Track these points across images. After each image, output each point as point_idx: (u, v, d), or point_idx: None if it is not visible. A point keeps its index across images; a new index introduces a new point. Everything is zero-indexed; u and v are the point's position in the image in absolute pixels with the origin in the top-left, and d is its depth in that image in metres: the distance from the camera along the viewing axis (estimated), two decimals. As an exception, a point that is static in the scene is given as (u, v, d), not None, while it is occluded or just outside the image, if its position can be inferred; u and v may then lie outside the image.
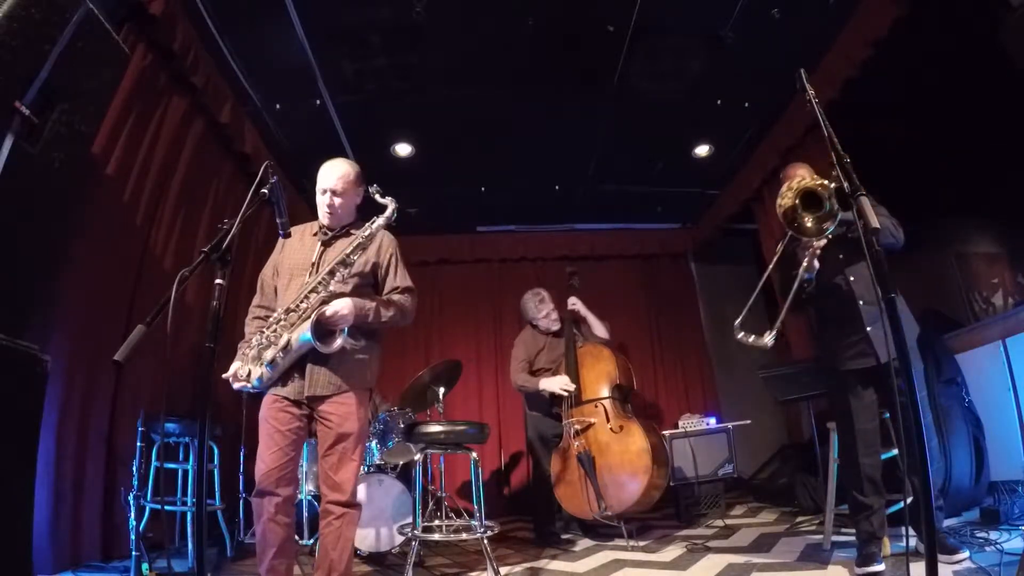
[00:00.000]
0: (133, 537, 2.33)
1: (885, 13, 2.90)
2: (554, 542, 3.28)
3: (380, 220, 2.04)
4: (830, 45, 3.31)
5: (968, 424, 2.92)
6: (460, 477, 4.75)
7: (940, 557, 1.96)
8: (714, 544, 2.91)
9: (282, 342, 1.88)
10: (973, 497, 2.87)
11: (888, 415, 2.31)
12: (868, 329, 2.19)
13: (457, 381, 3.73)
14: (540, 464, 3.52)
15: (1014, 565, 1.84)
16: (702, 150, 4.55)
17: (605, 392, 3.32)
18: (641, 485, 3.01)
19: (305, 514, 3.13)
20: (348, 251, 1.97)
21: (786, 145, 4.09)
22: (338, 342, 1.90)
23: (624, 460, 3.08)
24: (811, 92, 1.54)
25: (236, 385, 1.94)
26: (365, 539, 2.92)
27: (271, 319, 1.95)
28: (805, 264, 2.15)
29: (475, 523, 2.71)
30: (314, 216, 2.22)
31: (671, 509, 3.94)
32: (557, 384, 3.39)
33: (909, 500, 2.20)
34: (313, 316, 1.86)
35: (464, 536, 2.95)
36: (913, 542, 1.99)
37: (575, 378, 3.40)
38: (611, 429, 3.18)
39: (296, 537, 2.21)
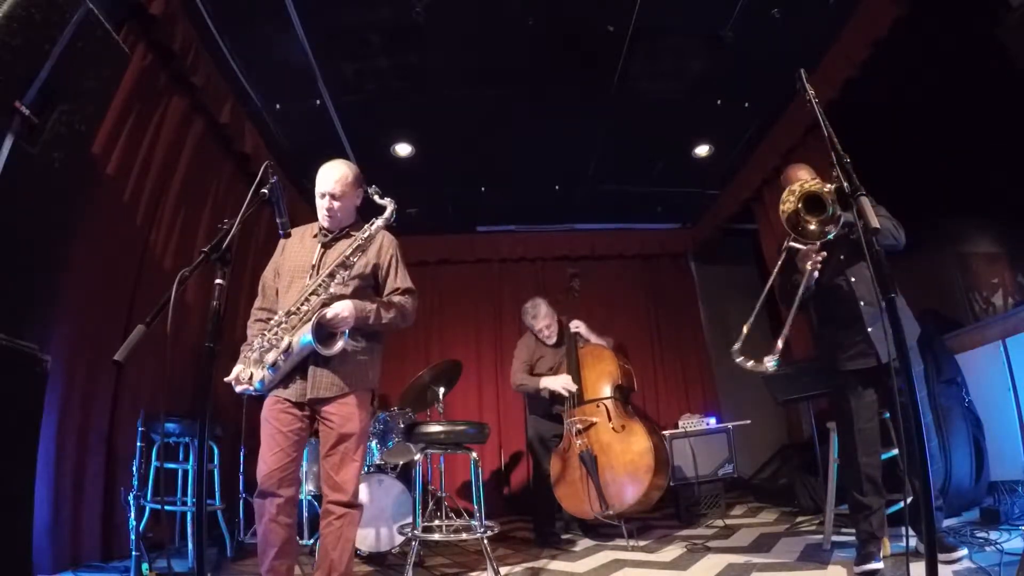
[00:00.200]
0: (133, 537, 2.34)
1: (885, 13, 2.90)
2: (554, 542, 3.28)
3: (379, 221, 2.04)
4: (830, 45, 3.32)
5: (968, 424, 2.92)
6: (460, 477, 4.75)
7: (939, 556, 1.97)
8: (714, 544, 2.91)
9: (283, 345, 1.88)
10: (973, 497, 2.87)
11: (888, 415, 2.31)
12: (869, 330, 2.19)
13: (457, 381, 3.73)
14: (540, 464, 3.52)
15: (1014, 565, 1.84)
16: (702, 150, 4.55)
17: (607, 392, 3.32)
18: (643, 485, 3.01)
19: (305, 514, 3.13)
20: (348, 253, 1.97)
21: (786, 145, 4.10)
22: (339, 344, 1.90)
23: (626, 460, 3.09)
24: (811, 92, 1.54)
25: (238, 388, 1.94)
26: (365, 539, 2.92)
27: (272, 322, 1.95)
28: (806, 278, 2.14)
29: (475, 523, 2.71)
30: (315, 216, 2.22)
31: (671, 509, 3.94)
32: (559, 383, 3.39)
33: (909, 500, 2.20)
34: (314, 319, 1.86)
35: (464, 536, 2.95)
36: (913, 542, 1.99)
37: (577, 378, 3.40)
38: (613, 429, 3.19)
39: (296, 537, 2.21)
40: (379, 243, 2.11)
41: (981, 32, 2.62)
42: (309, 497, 3.16)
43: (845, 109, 2.97)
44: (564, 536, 3.42)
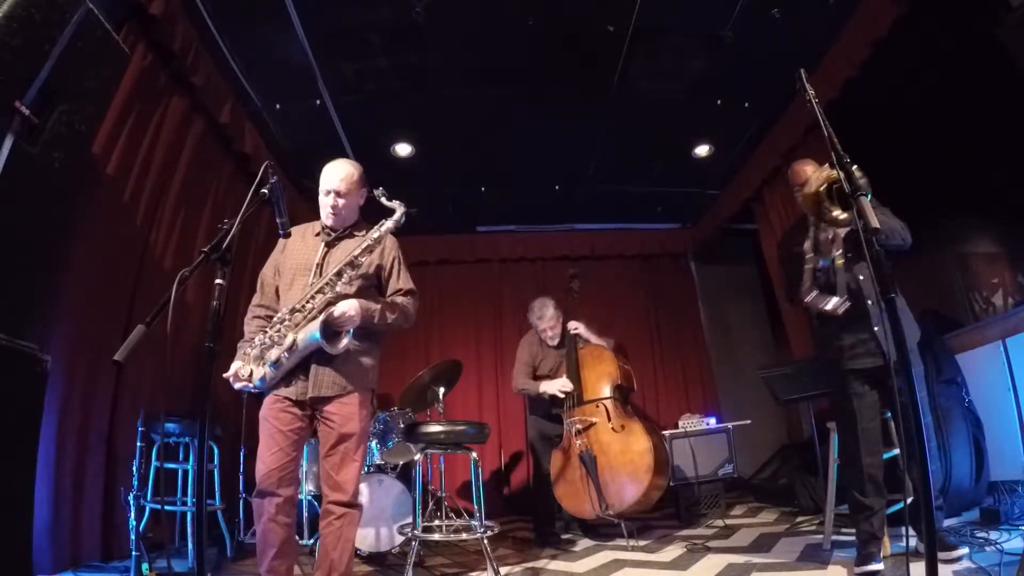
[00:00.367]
0: (133, 537, 2.34)
1: (885, 13, 2.90)
2: (554, 542, 3.28)
3: (389, 223, 2.05)
4: (830, 45, 3.32)
5: (968, 424, 2.92)
6: (460, 477, 4.75)
7: (940, 555, 1.97)
8: (714, 544, 2.91)
9: (287, 342, 1.88)
10: (973, 497, 2.87)
11: (889, 415, 2.30)
12: (876, 328, 2.18)
13: (457, 381, 3.74)
14: (540, 464, 3.52)
15: (1014, 565, 1.84)
16: (702, 150, 4.55)
17: (606, 392, 3.32)
18: (643, 485, 3.01)
19: (305, 514, 3.13)
20: (356, 253, 1.98)
21: (786, 145, 4.10)
22: (344, 342, 1.90)
23: (626, 460, 3.09)
24: (811, 92, 1.54)
25: (237, 385, 1.94)
26: (365, 539, 2.93)
27: (275, 319, 1.95)
28: (823, 250, 2.11)
29: (475, 523, 2.71)
30: (314, 216, 2.22)
31: (671, 509, 3.94)
32: (556, 387, 3.40)
33: (909, 500, 2.20)
34: (322, 316, 1.86)
35: (464, 536, 2.95)
36: (913, 542, 1.99)
37: (576, 378, 3.40)
38: (612, 428, 3.19)
39: (296, 537, 2.21)
40: (382, 244, 2.12)
41: (981, 32, 2.62)
42: (309, 497, 3.16)
43: (845, 109, 2.97)
44: (564, 536, 3.42)
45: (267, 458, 1.87)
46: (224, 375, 1.96)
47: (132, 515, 2.37)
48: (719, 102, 3.92)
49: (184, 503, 2.80)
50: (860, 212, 1.34)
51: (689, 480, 3.81)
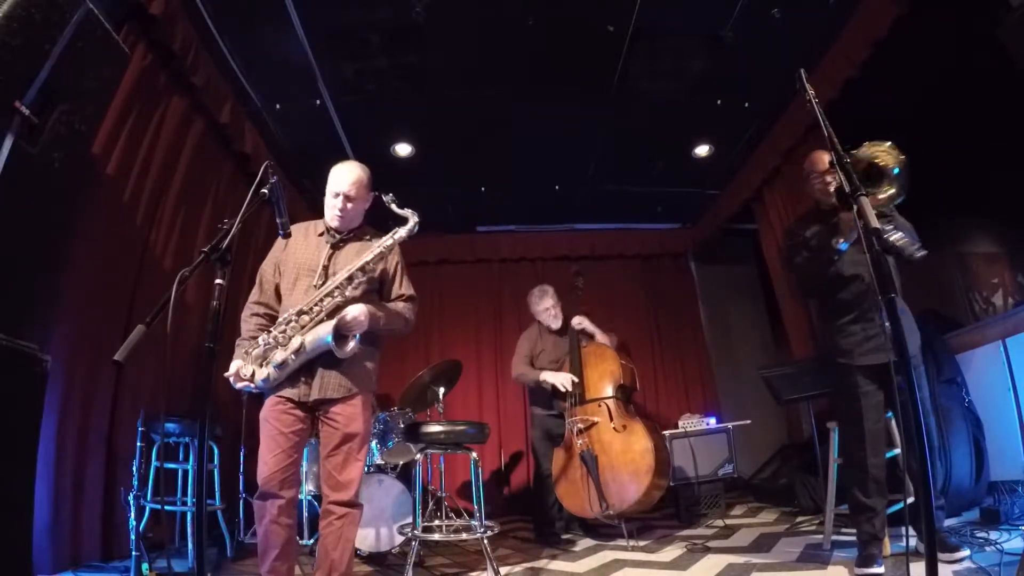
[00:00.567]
0: (133, 537, 2.33)
1: (885, 13, 2.90)
2: (554, 542, 3.28)
3: (402, 232, 2.05)
4: (830, 45, 3.32)
5: (968, 424, 2.92)
6: (460, 477, 4.75)
7: (941, 556, 1.97)
8: (714, 544, 2.91)
9: (294, 344, 1.88)
10: (973, 497, 2.87)
11: (890, 415, 2.29)
12: (887, 324, 2.17)
13: (457, 381, 3.73)
14: (541, 464, 3.52)
15: (1014, 565, 1.84)
16: (702, 150, 4.55)
17: (609, 392, 3.32)
18: (643, 485, 3.01)
19: (305, 514, 3.13)
20: (369, 259, 1.99)
21: (786, 145, 4.10)
22: (351, 346, 1.91)
23: (627, 460, 3.09)
24: (811, 92, 1.54)
25: (239, 385, 1.93)
26: (365, 539, 2.93)
27: (280, 320, 1.94)
28: (843, 230, 2.07)
29: (475, 523, 2.71)
30: (315, 216, 2.22)
31: (671, 509, 3.94)
32: (558, 379, 3.38)
33: (910, 500, 2.20)
34: (335, 320, 1.87)
35: (464, 536, 2.95)
36: (913, 542, 1.99)
37: (579, 377, 3.39)
38: (614, 428, 3.18)
39: (297, 538, 2.21)
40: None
41: (981, 32, 2.62)
42: (309, 497, 3.16)
43: (845, 109, 2.97)
44: (564, 536, 3.42)
45: (269, 460, 1.87)
46: (224, 375, 1.96)
47: (132, 515, 2.37)
48: (719, 102, 3.92)
49: (184, 503, 2.80)
50: (860, 212, 1.34)
51: (689, 480, 3.81)
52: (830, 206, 2.24)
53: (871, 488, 2.17)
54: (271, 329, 1.94)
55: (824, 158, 2.30)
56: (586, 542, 3.31)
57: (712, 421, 4.09)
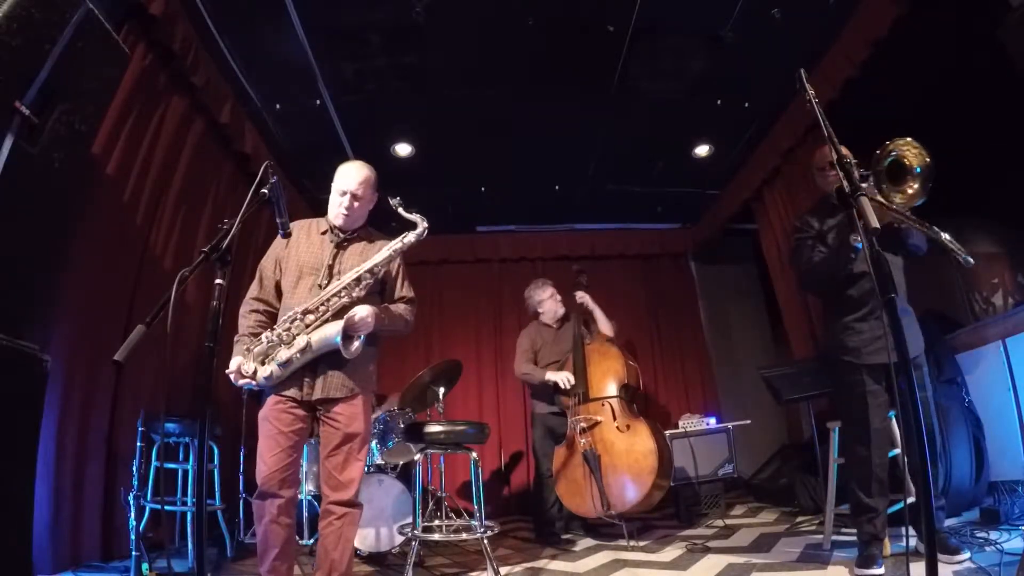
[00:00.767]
0: (133, 537, 2.33)
1: (885, 13, 2.90)
2: (554, 542, 3.28)
3: (411, 237, 2.06)
4: (830, 45, 3.32)
5: (968, 424, 2.92)
6: (460, 477, 4.75)
7: (942, 557, 1.96)
8: (714, 544, 2.91)
9: (299, 343, 1.88)
10: (973, 497, 2.87)
11: (892, 414, 2.29)
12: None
13: (457, 381, 3.73)
14: (542, 464, 3.52)
15: (1014, 565, 1.84)
16: (702, 150, 4.55)
17: (613, 391, 3.31)
18: (646, 486, 3.01)
19: (305, 514, 3.13)
20: (378, 262, 2.00)
21: (786, 145, 4.10)
22: (355, 346, 1.92)
23: (630, 460, 3.08)
24: (811, 92, 1.53)
25: (240, 382, 1.92)
26: (365, 539, 2.93)
27: (284, 318, 1.94)
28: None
29: (475, 523, 2.71)
30: (314, 215, 2.22)
31: (671, 509, 3.94)
32: (561, 377, 3.38)
33: (910, 500, 2.19)
34: (344, 320, 1.88)
35: (464, 536, 2.96)
36: (913, 542, 1.99)
37: (583, 376, 3.39)
38: (618, 428, 3.18)
39: (296, 537, 2.21)
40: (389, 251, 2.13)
41: (981, 32, 2.61)
42: (309, 497, 3.16)
43: (845, 109, 2.96)
44: (564, 536, 3.42)
45: (268, 459, 1.87)
46: (225, 371, 1.95)
47: (132, 515, 2.37)
48: (719, 102, 3.92)
49: (184, 503, 2.80)
50: (860, 212, 1.34)
51: (689, 480, 3.80)
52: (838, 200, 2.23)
53: (874, 488, 2.16)
54: (275, 327, 1.94)
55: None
56: (586, 542, 3.31)
57: (712, 421, 4.09)
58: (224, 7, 2.98)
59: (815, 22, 3.19)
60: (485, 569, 2.61)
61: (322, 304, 1.93)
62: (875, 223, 1.30)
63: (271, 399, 1.94)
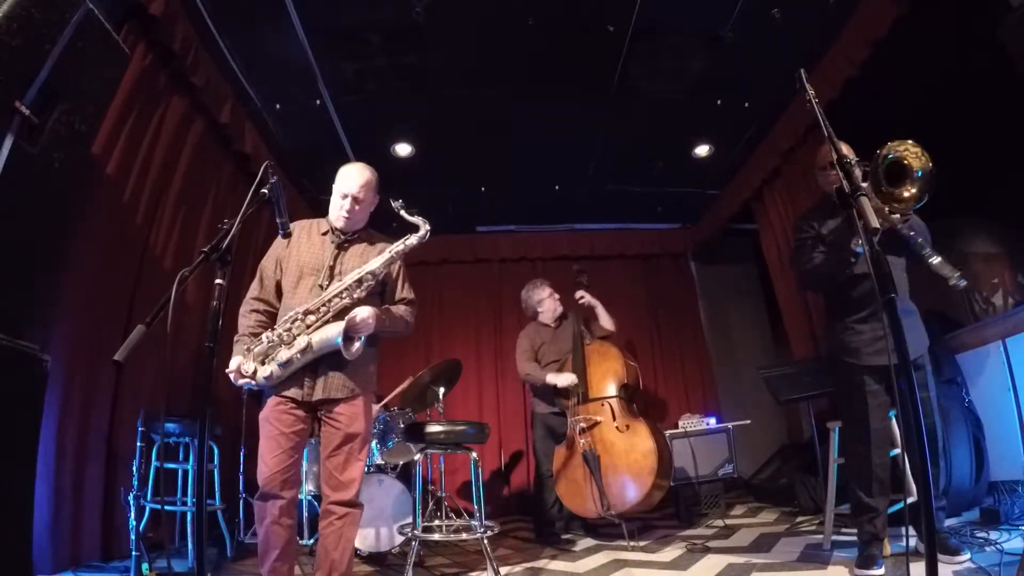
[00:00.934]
0: (133, 537, 2.33)
1: (885, 13, 2.90)
2: (554, 542, 3.28)
3: (413, 239, 2.07)
4: (830, 45, 3.32)
5: (968, 424, 2.92)
6: (460, 477, 4.75)
7: (942, 557, 1.96)
8: (714, 544, 2.91)
9: (300, 343, 1.88)
10: (973, 497, 2.87)
11: (892, 414, 2.29)
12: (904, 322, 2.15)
13: (457, 381, 3.73)
14: (542, 464, 3.52)
15: (1014, 565, 1.84)
16: (702, 150, 4.55)
17: (612, 391, 3.31)
18: (646, 486, 3.01)
19: (305, 514, 3.13)
20: (381, 263, 2.01)
21: (786, 145, 4.10)
22: (356, 346, 1.93)
23: (630, 460, 3.08)
24: (811, 92, 1.53)
25: (240, 382, 1.92)
26: (365, 539, 2.93)
27: (285, 318, 1.94)
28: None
29: (475, 523, 2.71)
30: (314, 215, 2.22)
31: (671, 509, 3.94)
32: (563, 380, 3.38)
33: (910, 500, 2.19)
34: (345, 321, 1.88)
35: (464, 536, 2.96)
36: (913, 542, 1.99)
37: (583, 376, 3.39)
38: (617, 428, 3.18)
39: (297, 538, 2.21)
40: (390, 253, 2.13)
41: (981, 32, 2.61)
42: (309, 497, 3.16)
43: (845, 109, 2.96)
44: (564, 536, 3.42)
45: (269, 460, 1.87)
46: (225, 371, 1.96)
47: (132, 515, 2.37)
48: (719, 102, 3.92)
49: (184, 503, 2.80)
50: (860, 212, 1.34)
51: (689, 480, 3.80)
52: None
53: (874, 488, 2.16)
54: (275, 327, 1.94)
55: (843, 151, 2.28)
56: (586, 542, 3.31)
57: (712, 421, 4.09)
58: (224, 7, 2.98)
59: (815, 22, 3.19)
60: (485, 569, 2.61)
61: (323, 305, 1.94)
62: (875, 223, 1.30)
63: (272, 400, 1.94)
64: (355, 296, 1.97)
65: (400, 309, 2.15)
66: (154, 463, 2.59)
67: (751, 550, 2.73)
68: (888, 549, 2.23)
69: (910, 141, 1.77)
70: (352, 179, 2.08)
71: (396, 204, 2.07)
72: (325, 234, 2.14)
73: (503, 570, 2.66)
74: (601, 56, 3.44)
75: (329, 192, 2.16)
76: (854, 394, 2.23)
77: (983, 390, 3.06)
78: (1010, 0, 2.38)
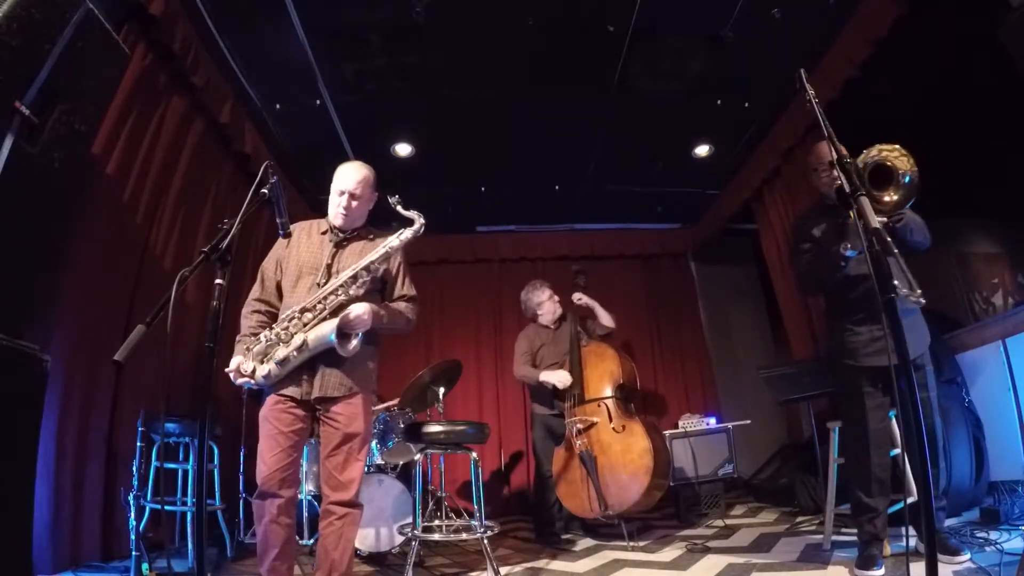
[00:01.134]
0: (133, 537, 2.33)
1: (885, 13, 2.90)
2: (554, 542, 3.28)
3: (408, 233, 2.06)
4: (830, 45, 3.32)
5: (968, 424, 2.92)
6: (460, 477, 4.75)
7: (942, 558, 1.96)
8: (714, 544, 2.91)
9: (296, 341, 1.88)
10: (973, 497, 2.87)
11: (892, 414, 2.29)
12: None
13: (457, 381, 3.73)
14: (542, 464, 3.52)
15: (1014, 565, 1.84)
16: (702, 150, 4.55)
17: (608, 392, 3.31)
18: (643, 485, 3.01)
19: (305, 514, 3.13)
20: (374, 259, 2.00)
21: (786, 145, 4.10)
22: (353, 344, 1.92)
23: (626, 460, 3.08)
24: (811, 92, 1.53)
25: (239, 381, 1.93)
26: (365, 539, 2.93)
27: (282, 316, 1.95)
28: (849, 236, 2.01)
29: (475, 523, 2.71)
30: (314, 215, 2.23)
31: (671, 509, 3.94)
32: (555, 377, 3.38)
33: (910, 500, 2.19)
34: (339, 318, 1.88)
35: (464, 536, 2.96)
36: (913, 542, 1.99)
37: (579, 377, 3.39)
38: (613, 429, 3.18)
39: (296, 537, 2.21)
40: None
41: (981, 32, 2.61)
42: (309, 497, 3.16)
43: (845, 109, 2.97)
44: (564, 536, 3.42)
45: (268, 459, 1.87)
46: (225, 370, 1.96)
47: (132, 515, 2.37)
48: (719, 102, 3.92)
49: (184, 503, 2.80)
50: (860, 212, 1.34)
51: (689, 480, 3.81)
52: (835, 201, 2.23)
53: (874, 488, 2.16)
54: (273, 326, 1.95)
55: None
56: (586, 542, 3.31)
57: (712, 421, 4.09)
58: (224, 7, 2.98)
59: (815, 22, 3.19)
60: (485, 569, 2.61)
61: (319, 302, 1.94)
62: (875, 223, 1.30)
63: (271, 399, 1.95)
64: (351, 293, 1.96)
65: (400, 305, 2.14)
66: (154, 463, 2.60)
67: (751, 550, 2.73)
68: (888, 549, 2.23)
69: (896, 146, 1.77)
70: (349, 176, 2.09)
71: (393, 200, 2.07)
72: (324, 233, 2.15)
73: (503, 570, 2.66)
74: (601, 56, 3.44)
75: (329, 192, 2.16)
76: (852, 395, 2.24)
77: (983, 390, 3.06)
78: (1010, 0, 2.38)
